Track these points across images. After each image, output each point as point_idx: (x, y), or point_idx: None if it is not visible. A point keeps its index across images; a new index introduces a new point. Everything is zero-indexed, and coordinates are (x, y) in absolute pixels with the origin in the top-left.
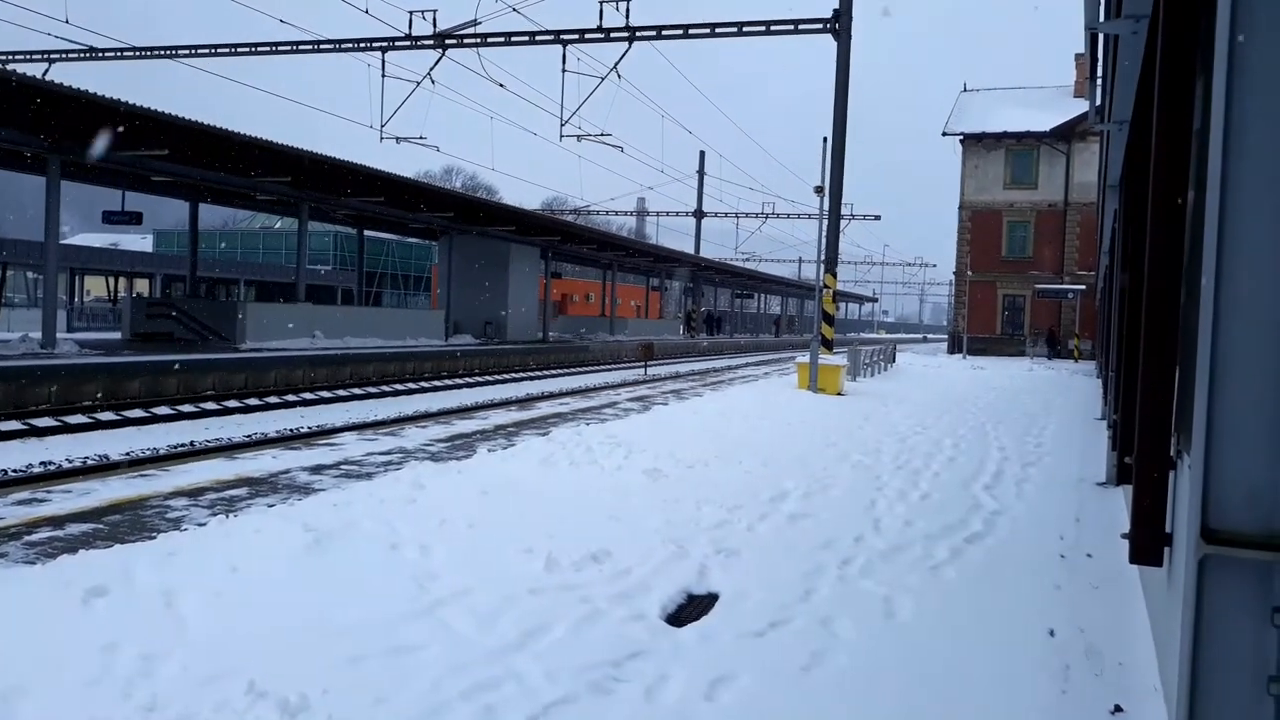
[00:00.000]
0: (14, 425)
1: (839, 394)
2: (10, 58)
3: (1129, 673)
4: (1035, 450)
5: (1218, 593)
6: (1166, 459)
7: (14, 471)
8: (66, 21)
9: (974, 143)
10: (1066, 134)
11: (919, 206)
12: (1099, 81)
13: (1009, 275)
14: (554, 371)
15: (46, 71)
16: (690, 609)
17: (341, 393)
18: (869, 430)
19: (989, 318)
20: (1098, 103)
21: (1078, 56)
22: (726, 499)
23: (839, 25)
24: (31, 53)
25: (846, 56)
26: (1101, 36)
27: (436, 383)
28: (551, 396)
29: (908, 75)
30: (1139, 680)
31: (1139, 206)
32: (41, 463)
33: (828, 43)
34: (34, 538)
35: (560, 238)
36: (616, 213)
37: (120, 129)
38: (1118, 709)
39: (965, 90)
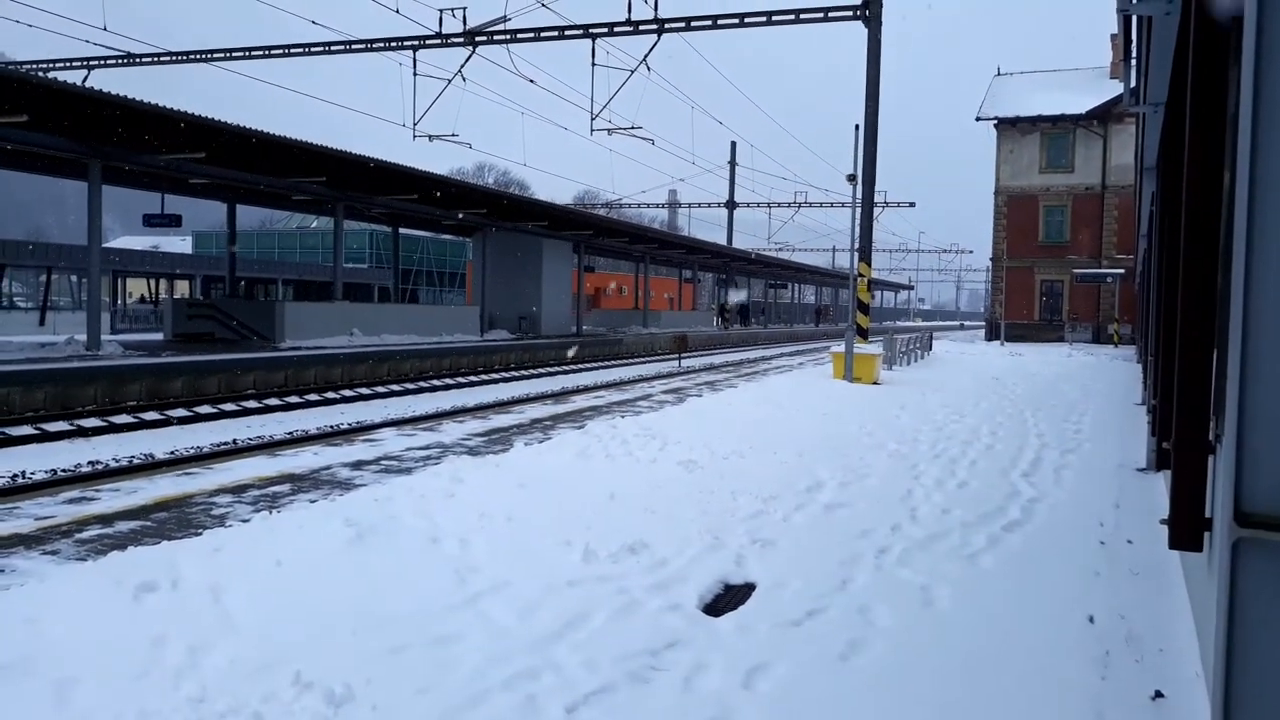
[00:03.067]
0: (62, 426)
1: (875, 383)
2: (51, 66)
3: (1170, 659)
4: (1074, 436)
5: (1252, 577)
6: (1205, 443)
7: (63, 471)
8: (105, 29)
9: (1008, 127)
10: (1103, 116)
11: (954, 192)
12: (1134, 63)
13: (1046, 260)
14: (588, 365)
15: (86, 78)
16: (727, 599)
17: (380, 389)
18: (905, 419)
19: (1027, 304)
20: (1133, 85)
21: (1113, 37)
22: (762, 489)
23: (869, 12)
24: (72, 60)
25: (878, 43)
26: (1135, 18)
27: (473, 378)
28: (586, 390)
29: (941, 59)
30: (1181, 666)
31: (1176, 189)
32: (89, 462)
33: (860, 26)
34: (84, 535)
35: (592, 232)
36: (648, 205)
37: (159, 133)
38: (1159, 695)
39: (999, 74)
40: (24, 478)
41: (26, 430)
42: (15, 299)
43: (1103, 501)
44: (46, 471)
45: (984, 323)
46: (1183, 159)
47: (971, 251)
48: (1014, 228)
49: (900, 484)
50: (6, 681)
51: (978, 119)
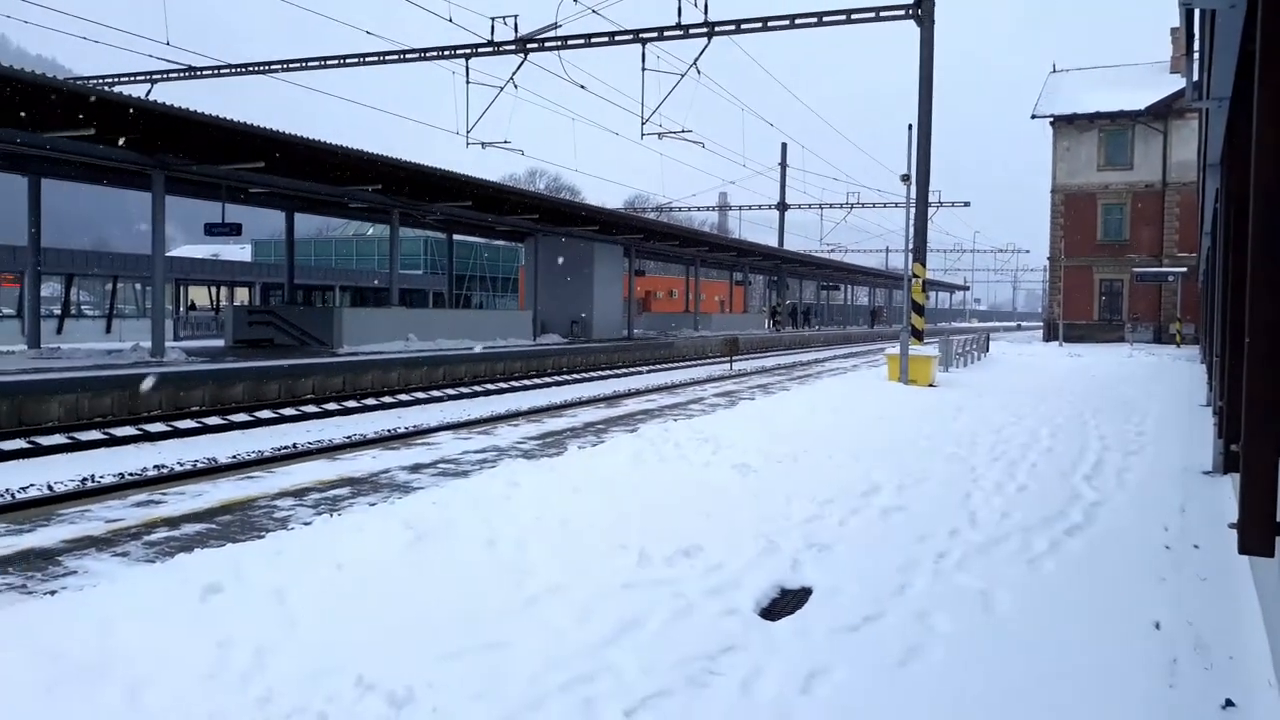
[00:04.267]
0: (129, 430)
1: (930, 385)
2: (116, 80)
3: (1241, 666)
4: (1137, 439)
5: None
6: (1276, 445)
7: (130, 475)
8: (167, 43)
9: (1065, 124)
10: (1163, 112)
11: (1010, 191)
12: (1196, 57)
13: (1105, 259)
14: (640, 368)
15: (149, 91)
16: (784, 603)
17: (435, 393)
18: (962, 421)
19: (1085, 303)
20: (1195, 79)
21: (1174, 31)
22: (817, 493)
23: (921, 10)
24: (135, 74)
25: (930, 42)
26: (1198, 11)
27: (526, 381)
28: (638, 393)
29: (996, 56)
30: (1252, 674)
31: (1243, 185)
32: (155, 466)
33: (913, 26)
34: (152, 537)
35: (643, 235)
36: (698, 208)
37: (219, 143)
38: (1229, 704)
39: (1055, 71)
40: (94, 481)
41: (95, 435)
42: (83, 307)
43: (1168, 505)
44: (115, 475)
45: (1042, 323)
46: (1250, 154)
47: (1028, 251)
48: (1072, 226)
49: (958, 487)
50: (81, 682)
51: (1033, 116)
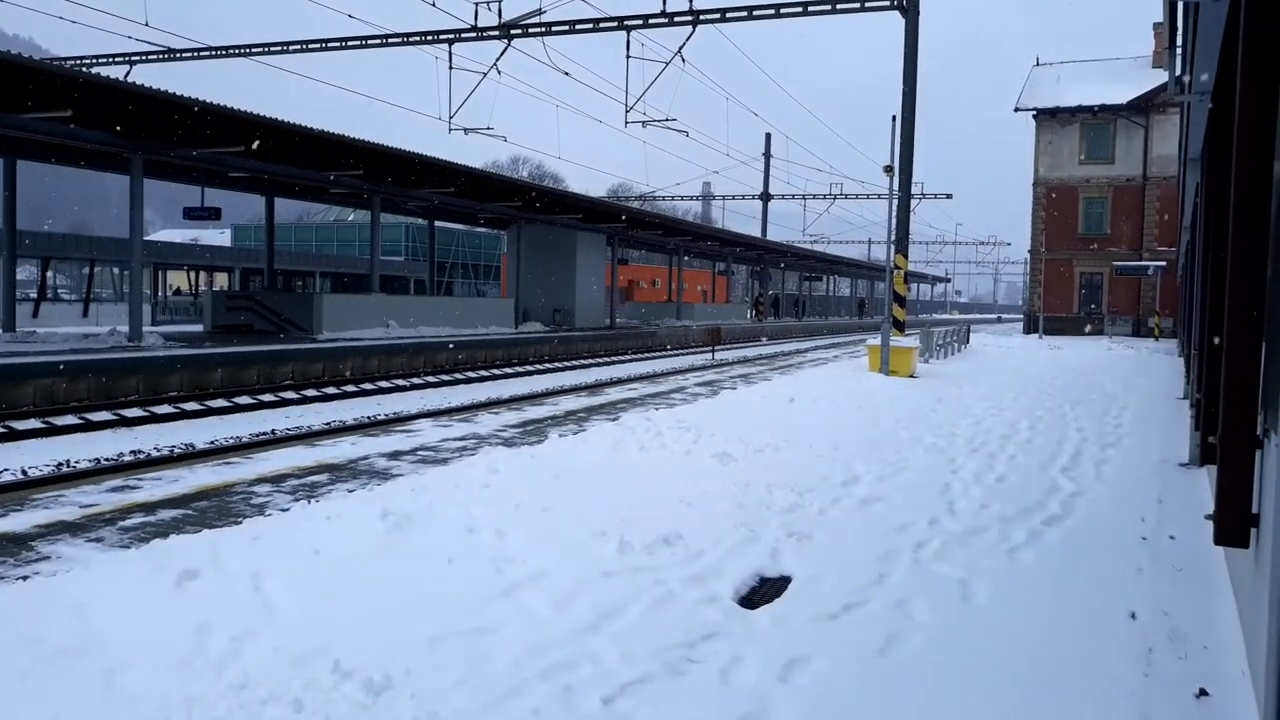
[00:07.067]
0: (105, 415)
1: (911, 376)
2: (94, 61)
3: (1215, 656)
4: (1114, 431)
5: None
6: (1253, 438)
7: (106, 460)
8: (146, 24)
9: (1047, 118)
10: (1145, 106)
11: (993, 184)
12: (1179, 50)
13: (1086, 253)
14: (622, 357)
15: (128, 73)
16: (763, 591)
17: (416, 381)
18: (942, 412)
19: (1066, 297)
20: (1177, 73)
21: (1156, 25)
22: (797, 483)
23: (906, 1)
24: (114, 55)
25: (915, 33)
26: (1181, 4)
27: (508, 370)
28: (620, 382)
29: (980, 49)
30: (1226, 664)
31: (1224, 179)
32: (132, 452)
33: (897, 17)
34: (128, 523)
35: (626, 224)
36: (682, 198)
37: (199, 127)
38: (1203, 693)
39: (1038, 65)
40: (69, 466)
41: (71, 420)
42: (60, 291)
43: (1144, 496)
44: (90, 460)
45: (1022, 316)
46: (1231, 148)
47: (1009, 244)
48: (1053, 220)
49: (938, 478)
50: (57, 667)
51: (1016, 109)
